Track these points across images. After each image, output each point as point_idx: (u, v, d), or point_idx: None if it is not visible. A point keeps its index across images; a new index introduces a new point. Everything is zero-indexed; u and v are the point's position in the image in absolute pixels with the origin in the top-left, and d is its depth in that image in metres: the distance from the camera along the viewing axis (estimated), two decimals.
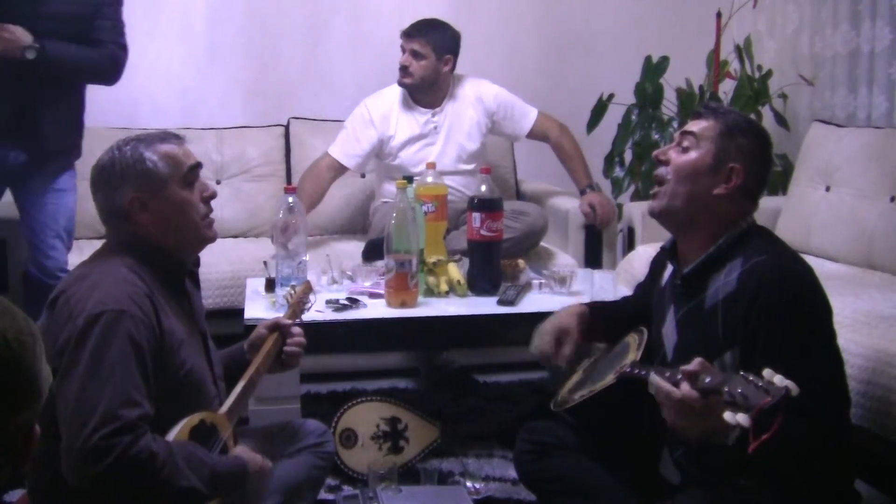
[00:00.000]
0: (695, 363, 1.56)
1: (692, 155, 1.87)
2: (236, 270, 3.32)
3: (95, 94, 3.12)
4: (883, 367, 2.25)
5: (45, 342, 1.14)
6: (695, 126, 1.90)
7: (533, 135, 3.71)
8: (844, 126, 3.52)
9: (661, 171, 1.92)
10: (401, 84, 3.53)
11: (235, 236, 3.74)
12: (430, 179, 3.03)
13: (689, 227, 1.90)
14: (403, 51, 3.52)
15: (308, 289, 2.27)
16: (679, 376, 1.58)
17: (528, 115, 3.70)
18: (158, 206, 1.82)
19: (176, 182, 1.84)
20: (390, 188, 2.82)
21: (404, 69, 3.51)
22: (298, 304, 2.19)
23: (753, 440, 1.41)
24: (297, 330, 2.09)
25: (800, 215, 3.39)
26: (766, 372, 1.45)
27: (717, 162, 1.85)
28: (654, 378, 1.62)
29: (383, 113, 3.54)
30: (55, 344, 1.66)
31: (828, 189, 3.34)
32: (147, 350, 1.69)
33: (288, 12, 4.08)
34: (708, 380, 1.53)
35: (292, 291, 2.24)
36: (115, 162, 1.82)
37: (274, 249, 2.70)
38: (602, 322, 2.20)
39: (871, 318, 2.45)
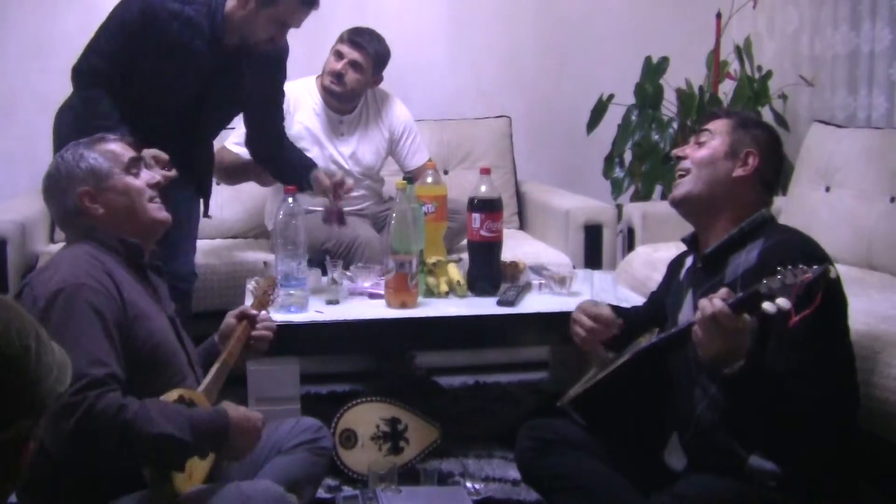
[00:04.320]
0: (722, 291, 1.68)
1: (709, 146, 1.99)
2: (236, 271, 3.32)
3: None
4: (883, 367, 2.25)
5: None
6: (710, 125, 2.03)
7: (414, 174, 3.45)
8: (844, 127, 3.52)
9: (683, 163, 2.02)
10: (329, 90, 3.45)
11: (235, 237, 3.74)
12: (430, 179, 3.04)
13: (710, 213, 1.98)
14: (340, 56, 3.44)
15: (272, 283, 2.35)
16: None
17: (420, 154, 3.64)
18: (107, 196, 1.91)
19: (120, 171, 1.93)
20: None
21: (339, 76, 3.43)
22: (264, 296, 2.26)
23: (794, 316, 1.54)
24: (264, 315, 2.16)
25: (800, 216, 3.38)
26: (801, 265, 1.57)
27: (733, 149, 1.98)
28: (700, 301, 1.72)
29: (287, 108, 3.39)
30: None
31: (828, 190, 3.34)
32: (110, 318, 1.74)
33: None
34: (741, 294, 1.64)
35: (256, 284, 2.31)
36: (59, 167, 1.93)
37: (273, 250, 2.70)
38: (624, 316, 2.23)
39: (872, 319, 2.45)
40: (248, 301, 2.75)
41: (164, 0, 2.68)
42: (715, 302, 1.65)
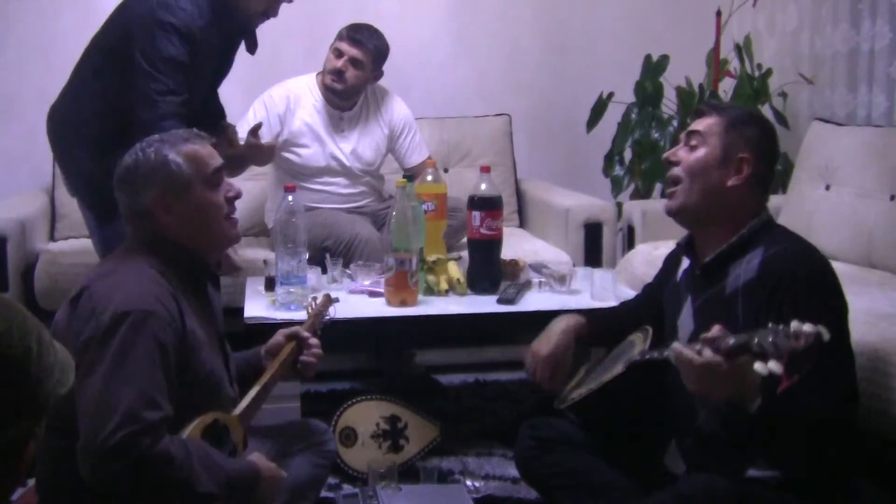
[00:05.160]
0: (714, 329, 1.60)
1: (701, 151, 1.92)
2: None
3: None
4: (883, 366, 2.25)
5: (67, 337, 1.09)
6: (699, 124, 1.95)
7: (413, 171, 3.45)
8: (844, 125, 3.52)
9: (674, 171, 1.95)
10: (330, 87, 3.46)
11: None
12: (430, 178, 3.04)
13: (707, 222, 1.93)
14: (339, 54, 3.44)
15: (328, 301, 2.28)
16: (698, 346, 1.61)
17: (420, 152, 3.64)
18: (183, 208, 1.82)
19: (200, 183, 1.84)
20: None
21: (339, 73, 3.43)
22: (318, 316, 2.20)
23: (786, 381, 1.46)
24: (314, 341, 2.10)
25: (800, 214, 3.39)
26: (794, 323, 1.49)
27: (726, 154, 1.90)
28: (677, 346, 1.65)
29: (288, 104, 3.48)
30: (77, 339, 1.65)
31: (828, 188, 3.34)
32: (171, 351, 1.68)
33: (288, 12, 4.07)
34: (732, 341, 1.56)
35: (313, 303, 2.25)
36: (138, 164, 1.82)
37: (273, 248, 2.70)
38: (602, 329, 2.21)
39: (871, 318, 2.45)
40: (252, 301, 2.77)
41: (190, 20, 2.70)
42: (705, 353, 1.58)
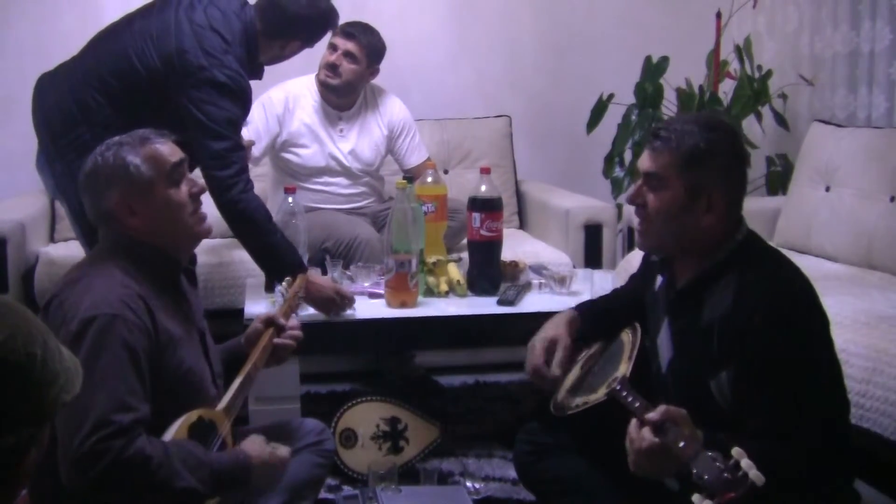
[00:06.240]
0: (660, 411, 1.55)
1: (664, 196, 1.80)
2: (236, 270, 3.32)
3: None
4: (883, 367, 2.25)
5: None
6: (654, 164, 1.81)
7: (412, 173, 3.44)
8: (844, 126, 3.53)
9: (643, 213, 1.85)
10: (325, 83, 3.45)
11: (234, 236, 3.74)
12: (429, 179, 3.04)
13: (682, 252, 1.86)
14: (334, 48, 3.45)
15: (303, 282, 2.27)
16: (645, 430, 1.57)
17: (419, 153, 3.64)
18: (147, 209, 1.81)
19: (162, 183, 1.82)
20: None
21: (333, 68, 3.43)
22: (294, 298, 2.19)
23: None
24: (293, 323, 2.10)
25: (800, 215, 3.39)
26: (735, 451, 1.41)
27: (692, 196, 1.78)
28: (631, 428, 1.61)
29: (286, 105, 3.49)
30: None
31: (828, 189, 3.35)
32: (142, 353, 1.68)
33: None
34: (682, 444, 1.50)
35: (287, 286, 2.24)
36: (98, 168, 1.82)
37: None
38: (596, 322, 2.18)
39: (871, 318, 2.45)
40: (252, 302, 2.77)
41: (240, 78, 2.66)
42: (645, 436, 1.55)
